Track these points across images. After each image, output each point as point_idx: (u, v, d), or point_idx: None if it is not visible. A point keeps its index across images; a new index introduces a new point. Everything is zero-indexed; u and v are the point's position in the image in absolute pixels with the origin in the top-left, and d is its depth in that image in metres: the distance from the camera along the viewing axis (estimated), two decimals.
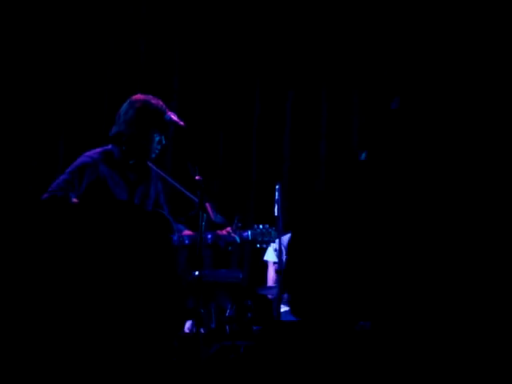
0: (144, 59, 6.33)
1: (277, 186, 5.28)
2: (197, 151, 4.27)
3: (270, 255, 6.08)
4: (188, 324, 5.11)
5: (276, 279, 5.68)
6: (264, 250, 6.06)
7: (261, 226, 4.61)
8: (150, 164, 4.29)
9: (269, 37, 6.67)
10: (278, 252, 5.15)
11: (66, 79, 6.11)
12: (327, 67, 6.80)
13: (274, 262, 5.94)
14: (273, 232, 4.64)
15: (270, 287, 5.71)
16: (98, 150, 4.17)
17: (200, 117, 6.34)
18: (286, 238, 5.68)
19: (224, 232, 4.37)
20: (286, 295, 5.60)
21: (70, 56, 6.10)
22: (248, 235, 4.53)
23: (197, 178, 4.05)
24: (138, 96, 4.21)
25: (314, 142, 6.78)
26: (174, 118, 4.18)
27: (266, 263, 6.17)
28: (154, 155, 4.22)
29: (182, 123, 4.17)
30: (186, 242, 4.16)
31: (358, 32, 6.73)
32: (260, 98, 6.71)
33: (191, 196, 4.20)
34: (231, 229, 4.40)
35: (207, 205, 3.97)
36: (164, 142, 4.21)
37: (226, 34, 6.58)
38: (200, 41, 6.50)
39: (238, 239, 4.39)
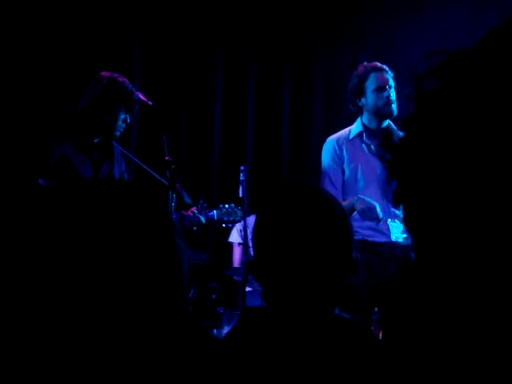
0: (105, 38, 6.22)
1: (241, 167, 5.27)
2: (163, 131, 4.22)
3: (235, 237, 6.08)
4: None
5: (241, 261, 5.69)
6: (229, 231, 6.05)
7: (226, 206, 4.60)
8: (115, 143, 4.23)
9: (231, 10, 6.61)
10: (244, 233, 5.16)
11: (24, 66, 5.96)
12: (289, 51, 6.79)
13: (239, 243, 5.93)
14: (239, 211, 4.63)
15: (236, 268, 5.71)
16: (63, 128, 4.10)
17: (161, 97, 6.27)
18: (252, 218, 5.69)
19: (189, 212, 4.34)
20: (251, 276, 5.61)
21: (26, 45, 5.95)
22: (214, 215, 4.50)
23: (166, 158, 4.02)
24: (105, 73, 4.13)
25: (278, 123, 6.78)
26: (142, 97, 4.13)
27: (231, 245, 6.17)
28: (118, 133, 4.14)
29: (150, 103, 4.13)
30: None
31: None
32: (223, 79, 6.66)
33: (158, 177, 4.16)
34: (196, 209, 4.37)
35: (177, 186, 3.94)
36: (129, 120, 4.14)
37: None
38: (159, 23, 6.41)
39: (203, 219, 4.36)
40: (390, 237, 4.16)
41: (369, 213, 3.95)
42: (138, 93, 4.13)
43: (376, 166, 4.17)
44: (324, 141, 6.65)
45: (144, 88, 5.50)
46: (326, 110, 6.75)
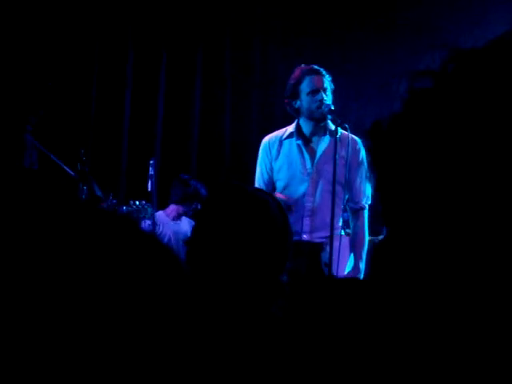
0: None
1: (151, 161, 5.24)
2: (73, 123, 4.16)
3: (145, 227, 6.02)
4: None
5: None
6: None
7: (137, 203, 4.56)
8: (28, 135, 4.13)
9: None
10: (153, 228, 5.13)
11: None
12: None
13: None
14: (149, 208, 4.61)
15: None
16: None
17: (71, 88, 6.15)
18: (159, 214, 5.65)
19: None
20: None
21: None
22: (124, 211, 4.46)
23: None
24: None
25: (188, 117, 6.76)
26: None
27: None
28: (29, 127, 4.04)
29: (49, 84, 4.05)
30: None
31: None
32: (132, 71, 6.59)
33: (67, 169, 4.09)
34: (106, 205, 4.31)
35: (88, 178, 3.88)
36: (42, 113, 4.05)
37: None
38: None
39: None
40: (301, 235, 4.21)
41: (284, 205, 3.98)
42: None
43: (302, 166, 4.20)
44: (233, 135, 6.71)
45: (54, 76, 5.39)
46: (236, 105, 6.78)
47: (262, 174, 4.29)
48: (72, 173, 4.02)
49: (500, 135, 0.73)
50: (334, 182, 3.98)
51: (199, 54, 6.77)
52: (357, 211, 4.17)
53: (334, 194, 4.01)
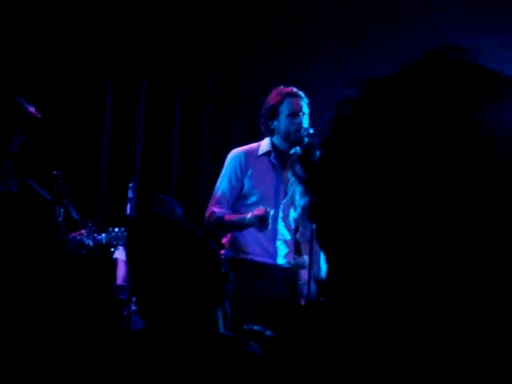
0: None
1: (130, 184, 5.19)
2: (50, 146, 4.11)
3: (121, 253, 5.96)
4: None
5: (127, 278, 5.59)
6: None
7: (116, 230, 4.51)
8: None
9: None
10: None
11: None
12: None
13: (125, 261, 5.82)
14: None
15: (120, 286, 5.60)
16: None
17: (49, 111, 6.11)
18: None
19: (76, 235, 4.18)
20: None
21: None
22: (102, 239, 4.40)
23: (54, 172, 3.91)
24: None
25: (168, 138, 6.74)
26: (32, 110, 4.00)
27: (115, 261, 6.05)
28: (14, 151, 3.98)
29: (39, 116, 4.01)
30: None
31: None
32: (112, 94, 6.57)
33: (43, 193, 4.04)
34: (85, 232, 4.24)
35: (65, 201, 3.84)
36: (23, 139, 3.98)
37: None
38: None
39: (91, 243, 4.23)
40: (275, 259, 4.20)
41: (263, 217, 3.96)
42: (29, 106, 3.99)
43: (276, 186, 4.19)
44: (213, 157, 6.68)
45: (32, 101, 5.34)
46: (215, 126, 6.78)
47: (228, 187, 4.24)
48: (48, 196, 3.97)
49: (414, 156, 0.77)
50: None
51: (180, 75, 6.76)
52: (307, 240, 4.16)
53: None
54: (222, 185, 4.25)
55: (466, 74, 0.79)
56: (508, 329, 0.75)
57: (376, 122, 0.80)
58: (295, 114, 4.15)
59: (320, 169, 0.84)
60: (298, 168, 0.86)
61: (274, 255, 4.21)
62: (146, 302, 1.89)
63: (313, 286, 4.03)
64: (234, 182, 4.22)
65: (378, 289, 0.79)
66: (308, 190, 0.85)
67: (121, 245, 4.54)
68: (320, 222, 0.84)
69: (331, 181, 0.82)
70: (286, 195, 4.20)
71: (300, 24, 6.65)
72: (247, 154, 4.27)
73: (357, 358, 0.78)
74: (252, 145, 4.34)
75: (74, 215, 3.95)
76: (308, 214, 0.86)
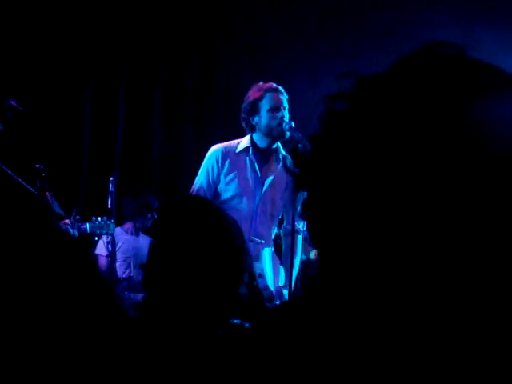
0: None
1: (111, 178, 5.20)
2: (32, 138, 4.11)
3: (101, 248, 5.97)
4: None
5: (106, 273, 5.59)
6: (95, 243, 5.94)
7: (99, 219, 4.52)
8: None
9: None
10: (111, 245, 5.12)
11: None
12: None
13: (106, 255, 5.83)
14: (111, 225, 4.58)
15: None
16: None
17: (30, 103, 6.10)
18: (117, 230, 5.61)
19: (61, 225, 4.22)
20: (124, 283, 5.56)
21: None
22: (86, 228, 4.42)
23: (37, 165, 3.91)
24: None
25: (148, 133, 6.74)
26: (13, 103, 4.00)
27: (96, 256, 6.05)
28: None
29: (20, 108, 4.01)
30: None
31: None
32: (93, 88, 6.56)
33: (26, 185, 4.04)
34: (69, 221, 4.26)
35: (47, 194, 3.84)
36: (1, 128, 4.00)
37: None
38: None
39: (76, 233, 4.26)
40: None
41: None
42: (9, 99, 4.00)
43: (254, 182, 4.20)
44: (194, 152, 6.68)
45: (13, 93, 5.33)
46: (196, 122, 6.79)
47: (205, 181, 4.26)
48: (32, 189, 3.97)
49: (406, 152, 0.77)
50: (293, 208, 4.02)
51: (160, 70, 6.77)
52: (289, 233, 4.18)
53: (293, 219, 4.05)
54: (199, 179, 4.27)
55: (460, 69, 0.80)
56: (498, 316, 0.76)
57: (369, 117, 0.80)
58: (276, 108, 4.16)
59: (312, 164, 0.84)
60: (289, 163, 0.88)
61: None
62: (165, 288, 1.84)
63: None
64: (210, 177, 4.23)
65: (368, 283, 0.79)
66: (300, 185, 0.86)
67: (104, 234, 4.55)
68: (312, 217, 0.85)
69: (323, 176, 0.82)
70: (263, 192, 4.22)
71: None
72: (225, 149, 4.27)
73: (344, 353, 0.79)
74: (232, 141, 4.35)
75: (57, 209, 3.96)
76: (301, 209, 0.87)
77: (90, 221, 4.46)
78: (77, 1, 6.39)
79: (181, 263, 1.82)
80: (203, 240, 1.83)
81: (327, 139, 0.84)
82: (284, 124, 4.10)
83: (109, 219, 4.55)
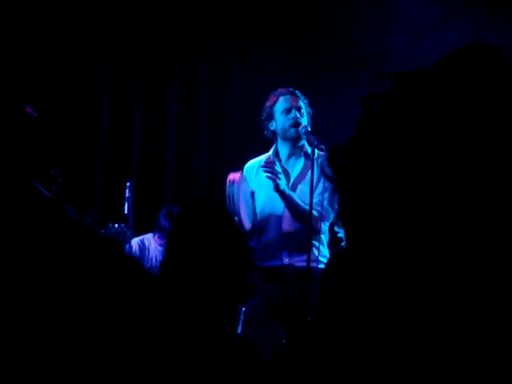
0: None
1: (127, 183, 5.17)
2: (48, 145, 4.05)
3: None
4: None
5: None
6: None
7: (116, 225, 4.48)
8: None
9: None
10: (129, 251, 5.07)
11: None
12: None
13: None
14: (128, 232, 4.53)
15: None
16: None
17: (45, 109, 6.08)
18: (135, 240, 5.53)
19: None
20: None
21: None
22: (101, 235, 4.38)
23: (52, 171, 3.87)
24: None
25: (164, 138, 6.72)
26: (28, 109, 3.97)
27: None
28: None
29: (35, 114, 3.98)
30: None
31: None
32: (108, 93, 6.54)
33: (42, 190, 4.00)
34: None
35: (63, 200, 3.80)
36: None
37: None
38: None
39: None
40: (282, 259, 4.14)
41: (270, 164, 3.97)
42: (24, 104, 3.96)
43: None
44: (206, 157, 6.67)
45: (27, 98, 5.31)
46: (211, 128, 6.76)
47: (244, 203, 4.23)
48: (48, 194, 3.93)
49: (443, 151, 0.75)
50: (310, 205, 3.92)
51: (175, 75, 6.74)
52: None
53: (311, 215, 3.95)
54: (240, 202, 4.29)
55: (499, 72, 0.77)
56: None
57: (405, 118, 0.78)
58: (288, 109, 4.15)
59: (349, 168, 0.83)
60: (326, 169, 0.85)
61: (281, 256, 4.15)
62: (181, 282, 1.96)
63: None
64: (245, 194, 4.23)
65: (392, 266, 0.79)
66: (338, 189, 0.85)
67: (121, 241, 4.51)
68: (349, 218, 0.84)
69: (361, 180, 0.81)
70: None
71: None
72: (251, 164, 4.32)
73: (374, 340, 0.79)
74: (262, 155, 4.36)
75: (73, 215, 3.91)
76: (339, 211, 0.87)
77: (105, 227, 4.42)
78: (90, 3, 6.38)
79: (199, 251, 1.98)
80: (218, 231, 2.01)
81: (363, 143, 0.82)
82: (300, 127, 4.07)
83: (126, 226, 4.50)
